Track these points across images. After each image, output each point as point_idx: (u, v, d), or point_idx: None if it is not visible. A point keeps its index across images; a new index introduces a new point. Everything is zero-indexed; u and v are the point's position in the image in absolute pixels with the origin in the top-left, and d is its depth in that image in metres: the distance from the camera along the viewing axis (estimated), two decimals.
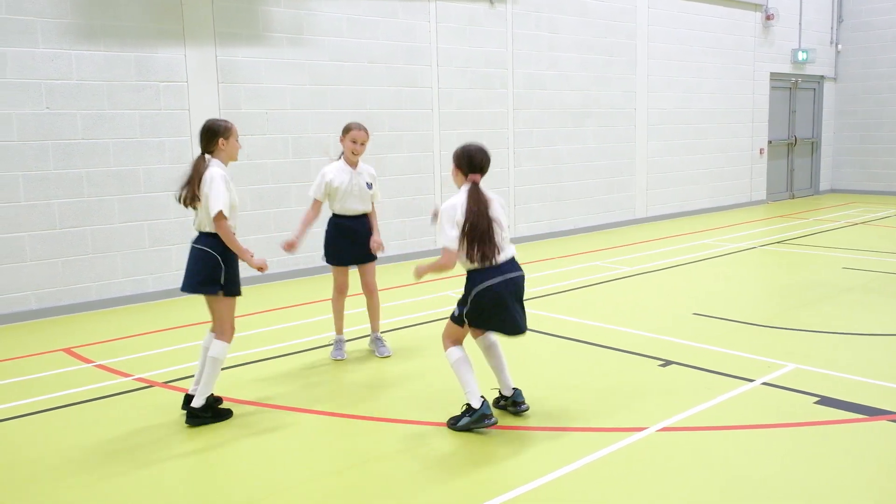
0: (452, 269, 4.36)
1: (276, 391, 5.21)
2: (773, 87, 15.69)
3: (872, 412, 4.53)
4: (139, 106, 7.84)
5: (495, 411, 4.57)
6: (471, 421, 4.33)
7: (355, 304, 6.80)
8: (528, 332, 4.55)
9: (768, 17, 15.05)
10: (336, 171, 5.69)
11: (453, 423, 4.42)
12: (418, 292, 7.87)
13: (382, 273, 6.07)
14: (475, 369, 4.47)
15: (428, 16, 10.08)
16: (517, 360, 5.31)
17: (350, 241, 5.78)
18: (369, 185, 5.78)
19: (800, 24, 15.91)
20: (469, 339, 4.55)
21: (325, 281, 8.72)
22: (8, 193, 7.18)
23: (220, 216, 4.50)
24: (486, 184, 4.49)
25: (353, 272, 5.96)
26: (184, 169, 8.00)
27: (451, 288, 7.93)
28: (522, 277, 4.44)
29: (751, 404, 4.72)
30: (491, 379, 4.73)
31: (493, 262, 4.28)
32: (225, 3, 8.33)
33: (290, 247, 5.54)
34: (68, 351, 6.29)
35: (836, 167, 17.33)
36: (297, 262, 9.09)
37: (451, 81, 10.35)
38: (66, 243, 7.52)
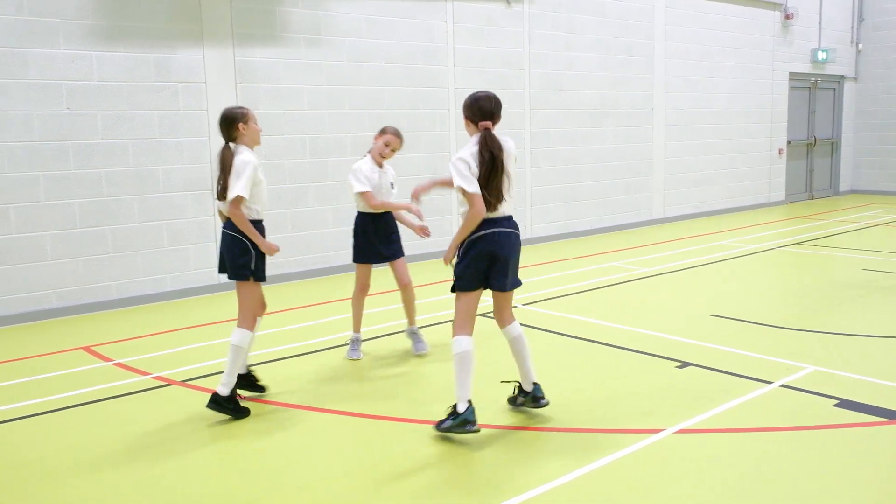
0: (483, 215, 4.17)
1: (293, 390, 5.23)
2: (792, 87, 15.56)
3: (893, 415, 4.48)
4: (158, 106, 7.91)
5: (503, 413, 4.55)
6: (453, 424, 4.19)
7: (370, 304, 6.80)
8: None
9: (788, 17, 14.92)
10: (368, 168, 5.73)
11: (437, 426, 4.30)
12: (434, 293, 7.88)
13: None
14: (474, 370, 4.33)
15: (445, 16, 10.09)
16: (533, 360, 5.29)
17: (380, 239, 5.80)
18: (392, 185, 5.86)
19: (820, 23, 15.77)
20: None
21: (340, 281, 8.78)
22: (29, 193, 7.26)
23: (237, 200, 4.53)
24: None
25: (376, 272, 5.98)
26: (202, 169, 8.17)
27: None
28: (518, 236, 4.35)
29: (769, 407, 4.68)
30: (513, 372, 4.72)
31: (495, 211, 4.19)
32: (243, 4, 8.38)
33: (418, 212, 5.52)
34: (87, 349, 6.36)
35: (857, 168, 17.16)
36: (315, 262, 9.13)
37: (467, 81, 10.35)
38: (85, 243, 7.60)
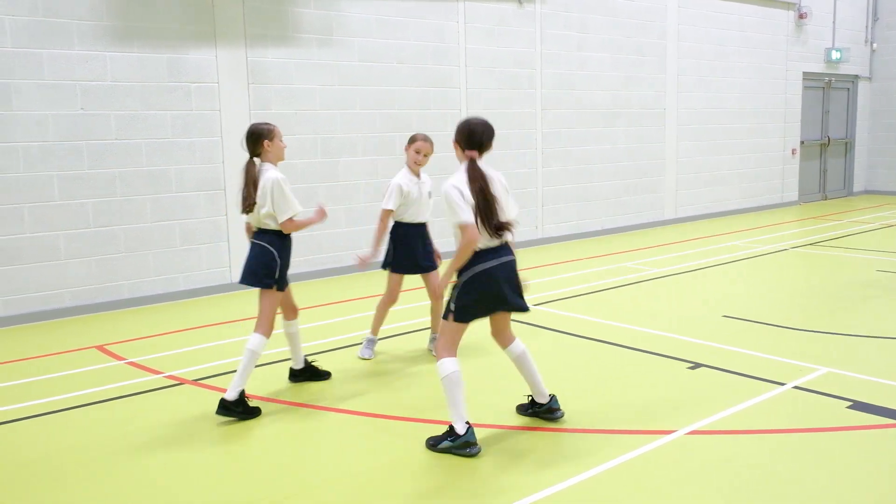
0: (477, 243, 4.08)
1: (304, 389, 5.25)
2: (805, 87, 15.47)
3: None
4: (171, 107, 7.95)
5: (515, 416, 4.54)
6: (453, 446, 4.08)
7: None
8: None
9: (801, 16, 14.83)
10: (406, 181, 5.73)
11: (432, 444, 4.17)
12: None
13: (414, 279, 6.07)
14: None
15: (456, 16, 10.09)
16: (543, 361, 5.29)
17: (419, 250, 5.79)
18: (430, 195, 5.86)
19: (834, 22, 15.66)
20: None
21: (352, 281, 8.80)
22: (43, 193, 7.31)
23: (288, 221, 4.77)
24: (509, 181, 4.46)
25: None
26: (215, 169, 8.20)
27: None
28: (514, 262, 4.27)
29: (781, 408, 4.66)
30: (523, 385, 4.71)
31: (497, 240, 4.12)
32: (255, 5, 8.41)
33: (364, 263, 5.55)
34: (101, 348, 6.39)
35: (871, 168, 17.04)
36: (326, 262, 9.15)
37: (479, 82, 10.35)
38: (99, 242, 7.65)
